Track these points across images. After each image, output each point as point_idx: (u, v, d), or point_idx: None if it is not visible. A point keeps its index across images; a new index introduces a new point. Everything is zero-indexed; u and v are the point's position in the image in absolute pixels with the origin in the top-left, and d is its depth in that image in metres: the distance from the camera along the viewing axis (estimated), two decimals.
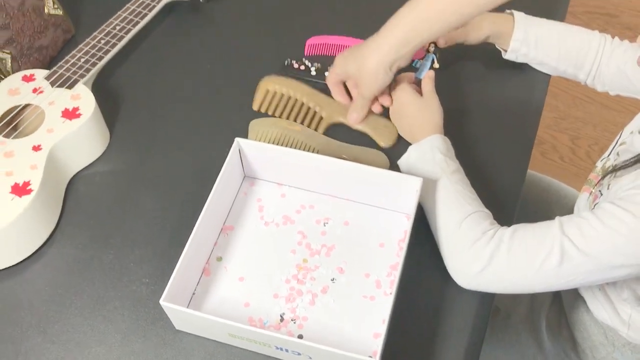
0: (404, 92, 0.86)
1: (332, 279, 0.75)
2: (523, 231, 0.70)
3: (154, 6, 0.96)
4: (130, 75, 0.96)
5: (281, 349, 0.66)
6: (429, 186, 0.76)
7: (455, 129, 0.84)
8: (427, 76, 0.87)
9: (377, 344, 0.62)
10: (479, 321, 0.73)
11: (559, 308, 0.95)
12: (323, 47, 0.99)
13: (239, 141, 0.78)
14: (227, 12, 1.05)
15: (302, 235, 0.79)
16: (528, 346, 0.96)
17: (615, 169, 0.75)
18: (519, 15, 0.90)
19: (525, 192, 1.11)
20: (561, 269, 0.67)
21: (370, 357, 0.61)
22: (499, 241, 0.69)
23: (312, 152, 0.84)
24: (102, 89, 0.91)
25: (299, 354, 0.65)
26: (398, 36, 0.78)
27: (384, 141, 0.87)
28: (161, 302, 0.65)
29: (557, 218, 0.69)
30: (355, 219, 0.80)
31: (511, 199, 0.82)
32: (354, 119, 0.88)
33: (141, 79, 0.95)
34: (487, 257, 0.69)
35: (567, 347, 0.93)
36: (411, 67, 0.90)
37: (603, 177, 0.78)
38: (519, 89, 0.94)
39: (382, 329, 0.63)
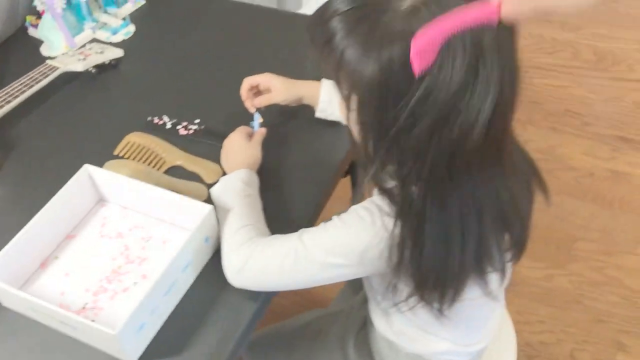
0: (237, 133, 1.06)
1: (135, 283, 0.93)
2: (274, 238, 0.88)
3: (49, 74, 1.21)
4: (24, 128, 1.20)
5: (63, 323, 0.85)
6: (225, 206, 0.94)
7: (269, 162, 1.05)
8: (259, 131, 1.08)
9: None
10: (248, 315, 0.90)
11: (366, 328, 1.09)
12: None
13: (87, 167, 0.99)
14: (118, 81, 1.31)
15: (125, 247, 0.98)
16: None
17: None
18: (326, 81, 1.10)
19: None
20: (296, 267, 0.84)
21: (112, 331, 0.79)
22: (255, 246, 0.87)
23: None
24: None
25: (75, 328, 0.84)
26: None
27: (210, 178, 1.07)
28: None
29: (301, 229, 0.86)
30: (172, 240, 0.99)
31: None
32: None
33: (32, 131, 1.19)
34: (244, 259, 0.87)
35: None
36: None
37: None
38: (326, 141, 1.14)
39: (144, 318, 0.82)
